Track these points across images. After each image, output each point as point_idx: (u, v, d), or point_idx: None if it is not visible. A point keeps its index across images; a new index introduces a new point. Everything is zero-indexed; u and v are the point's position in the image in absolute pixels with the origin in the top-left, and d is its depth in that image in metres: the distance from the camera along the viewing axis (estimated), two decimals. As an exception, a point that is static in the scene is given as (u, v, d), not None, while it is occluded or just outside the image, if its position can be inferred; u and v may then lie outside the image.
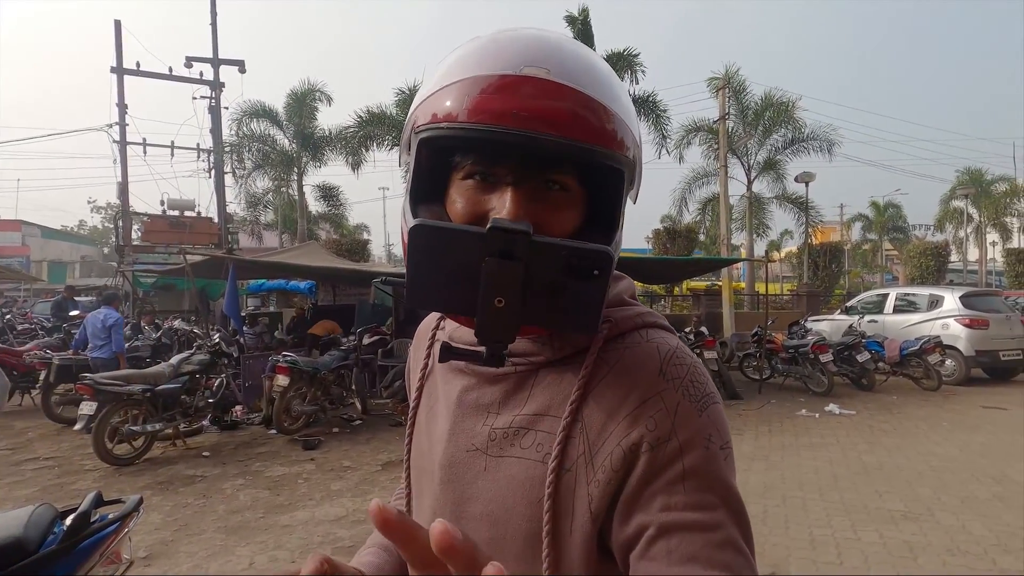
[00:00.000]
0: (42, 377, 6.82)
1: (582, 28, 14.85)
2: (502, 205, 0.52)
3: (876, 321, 10.49)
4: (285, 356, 6.41)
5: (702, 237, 23.29)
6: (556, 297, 0.48)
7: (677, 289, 17.89)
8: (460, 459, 0.60)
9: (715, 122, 14.88)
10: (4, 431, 6.50)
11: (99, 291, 14.59)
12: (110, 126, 15.08)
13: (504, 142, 0.50)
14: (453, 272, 0.47)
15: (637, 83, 15.11)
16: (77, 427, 5.18)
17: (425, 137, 0.53)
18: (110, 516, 1.89)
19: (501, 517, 0.56)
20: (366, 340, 7.82)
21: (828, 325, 11.04)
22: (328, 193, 21.62)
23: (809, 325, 10.56)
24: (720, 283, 15.75)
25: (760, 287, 15.97)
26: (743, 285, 19.70)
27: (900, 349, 8.83)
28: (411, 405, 0.71)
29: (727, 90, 14.58)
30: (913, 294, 10.72)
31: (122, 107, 14.76)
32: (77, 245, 49.25)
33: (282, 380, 6.09)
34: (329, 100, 19.48)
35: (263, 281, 14.17)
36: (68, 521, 1.80)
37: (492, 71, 0.50)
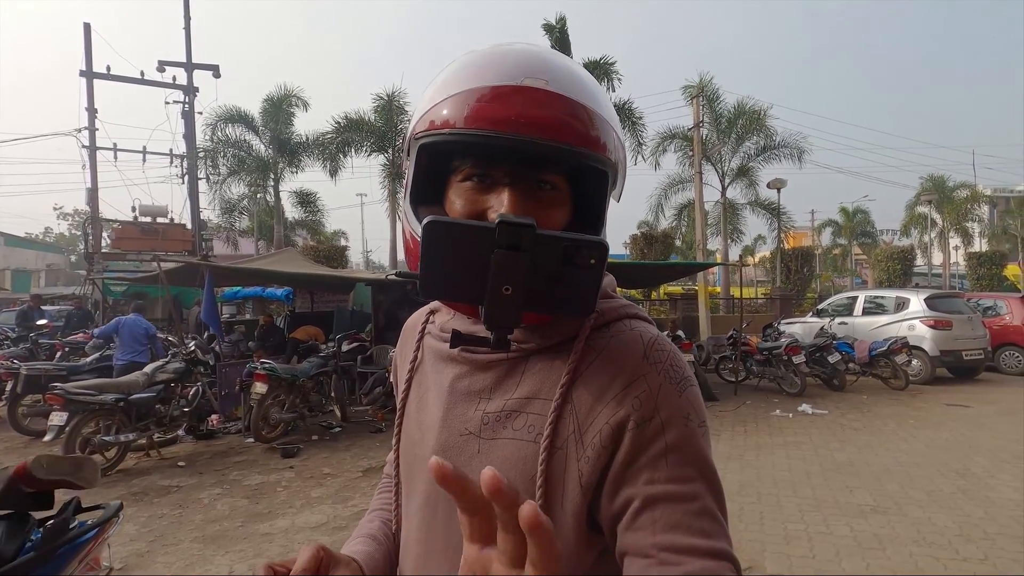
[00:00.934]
0: (8, 388, 6.62)
1: (559, 36, 15.04)
2: (500, 204, 0.56)
3: (846, 323, 10.79)
4: (263, 363, 6.33)
5: (678, 242, 23.68)
6: (556, 285, 0.51)
7: (655, 293, 18.13)
8: (454, 443, 0.63)
9: (690, 129, 15.18)
10: (-32, 444, 6.29)
11: (74, 299, 14.19)
12: (79, 130, 14.76)
13: (503, 146, 0.54)
14: (464, 264, 0.51)
15: (614, 91, 15.36)
16: (47, 438, 5.04)
17: (428, 143, 0.57)
18: (89, 522, 1.87)
19: None
20: (345, 347, 7.76)
21: (800, 327, 11.31)
22: (305, 199, 21.39)
23: (782, 328, 10.80)
24: (696, 287, 16.03)
25: (735, 291, 16.29)
26: (719, 289, 20.07)
27: (869, 350, 9.10)
28: (400, 397, 0.73)
29: (701, 98, 14.90)
30: (881, 296, 11.06)
31: (91, 111, 14.44)
32: (43, 253, 47.72)
33: (260, 387, 6.02)
34: (306, 105, 19.28)
35: (239, 288, 13.96)
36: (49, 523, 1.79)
37: (495, 82, 0.55)
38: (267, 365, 6.27)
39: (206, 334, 8.44)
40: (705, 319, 13.56)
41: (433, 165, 0.60)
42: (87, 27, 14.19)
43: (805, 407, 7.53)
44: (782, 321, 12.04)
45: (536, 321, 0.61)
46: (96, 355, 7.76)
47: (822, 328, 10.03)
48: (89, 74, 14.11)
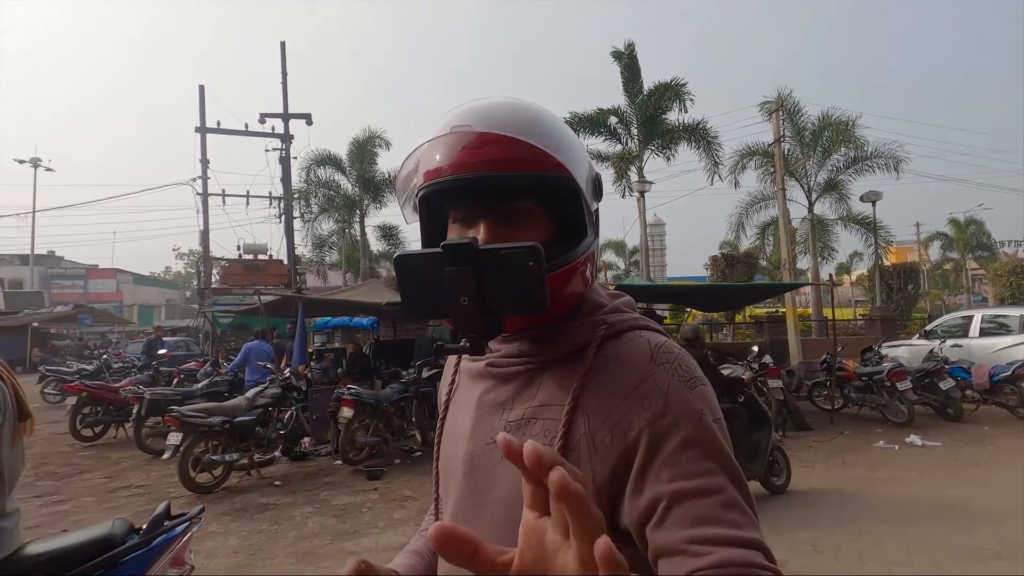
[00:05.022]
0: (135, 411, 7.41)
1: (628, 63, 15.11)
2: (477, 234, 0.65)
3: (960, 346, 9.76)
4: (350, 389, 6.68)
5: (763, 262, 22.56)
6: (506, 288, 0.58)
7: (739, 316, 17.31)
8: (480, 453, 0.69)
9: (770, 145, 14.61)
10: (102, 461, 7.10)
11: (186, 330, 15.68)
12: (194, 180, 16.53)
13: (456, 188, 0.64)
14: (428, 285, 0.60)
15: (686, 111, 15.13)
16: (165, 456, 5.60)
17: (421, 196, 0.69)
18: (177, 522, 2.19)
19: (515, 499, 0.62)
20: (425, 373, 8.02)
21: (906, 351, 10.37)
22: (388, 233, 22.55)
23: (884, 351, 9.95)
24: (784, 309, 15.14)
25: (828, 312, 15.23)
26: (810, 311, 18.82)
27: (990, 375, 8.15)
28: (440, 418, 0.81)
29: (781, 112, 14.33)
30: (1003, 316, 9.95)
31: (204, 163, 16.18)
32: (163, 289, 53.34)
33: (347, 412, 6.35)
34: (388, 145, 20.55)
35: (328, 318, 14.85)
36: (144, 527, 2.13)
37: (431, 136, 0.65)
38: (353, 391, 6.61)
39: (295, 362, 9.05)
40: (795, 342, 12.75)
41: (433, 213, 0.71)
42: (201, 89, 16.01)
43: (914, 438, 6.85)
44: (884, 344, 11.09)
45: (518, 327, 0.67)
46: (206, 381, 8.54)
47: (931, 351, 9.13)
48: (203, 130, 15.85)
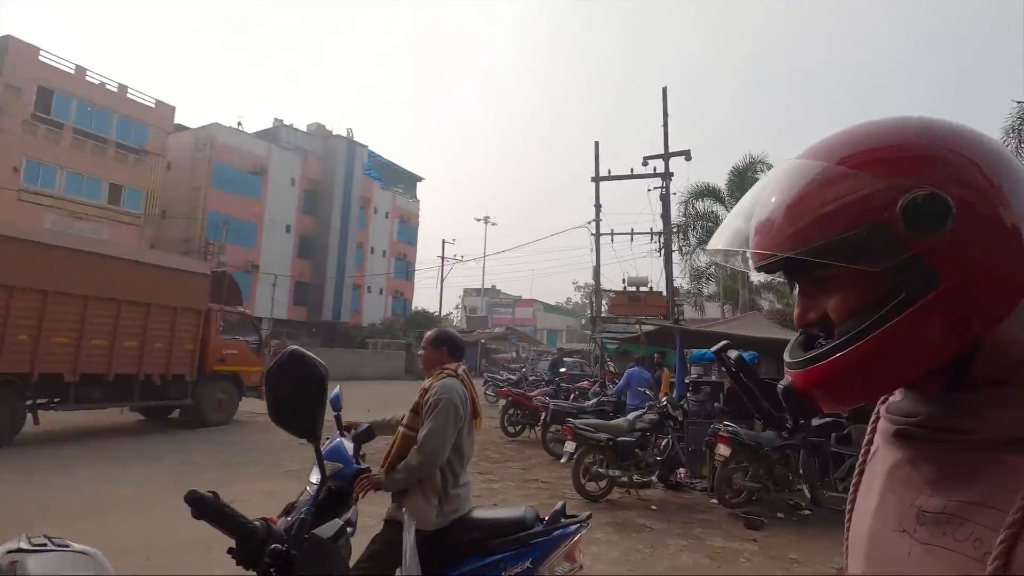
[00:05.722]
0: (542, 417, 8.94)
1: None
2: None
3: None
4: (727, 426, 6.41)
5: None
6: (754, 387, 0.65)
7: None
8: (885, 538, 0.56)
9: None
10: (519, 454, 8.79)
11: (580, 353, 18.11)
12: (589, 223, 19.15)
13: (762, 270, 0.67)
14: None
15: None
16: (562, 460, 6.53)
17: None
18: (571, 521, 2.48)
19: None
20: (816, 420, 7.02)
21: None
22: (770, 262, 21.00)
23: None
24: None
25: None
26: None
27: None
28: (853, 481, 0.70)
29: None
30: None
31: (597, 208, 18.57)
32: (565, 317, 63.25)
33: (723, 450, 6.10)
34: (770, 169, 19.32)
35: (705, 351, 14.70)
36: (546, 519, 2.50)
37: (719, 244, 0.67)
38: (730, 428, 6.31)
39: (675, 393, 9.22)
40: None
41: None
42: (596, 145, 18.54)
43: None
44: None
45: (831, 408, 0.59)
46: (594, 400, 9.62)
47: None
48: (597, 178, 18.27)
